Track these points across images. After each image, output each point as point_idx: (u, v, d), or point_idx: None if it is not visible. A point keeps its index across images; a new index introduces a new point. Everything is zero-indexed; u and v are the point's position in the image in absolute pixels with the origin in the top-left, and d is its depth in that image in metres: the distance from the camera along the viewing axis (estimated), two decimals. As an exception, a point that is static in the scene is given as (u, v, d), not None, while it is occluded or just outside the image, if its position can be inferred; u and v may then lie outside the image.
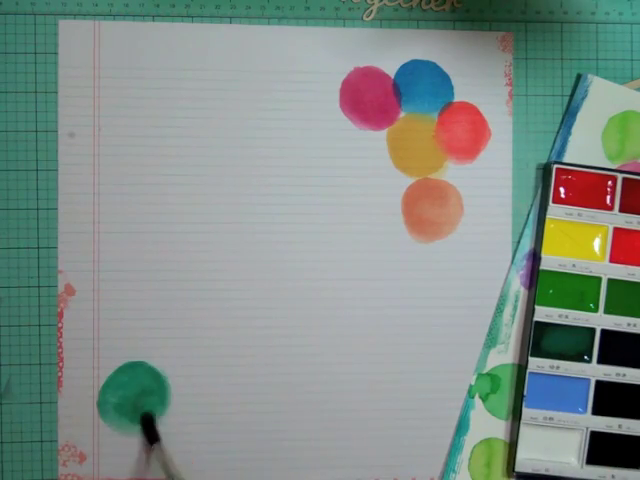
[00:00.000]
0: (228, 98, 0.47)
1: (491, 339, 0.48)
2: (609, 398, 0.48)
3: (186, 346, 0.47)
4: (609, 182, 0.48)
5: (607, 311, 0.48)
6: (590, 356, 0.48)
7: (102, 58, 0.47)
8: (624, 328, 0.48)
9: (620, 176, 0.48)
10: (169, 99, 0.47)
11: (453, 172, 0.49)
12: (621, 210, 0.48)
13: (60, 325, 0.47)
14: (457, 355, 0.48)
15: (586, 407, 0.48)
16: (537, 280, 0.48)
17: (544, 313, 0.48)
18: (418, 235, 0.48)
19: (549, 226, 0.48)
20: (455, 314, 0.48)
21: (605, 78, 0.49)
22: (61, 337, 0.47)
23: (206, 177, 0.47)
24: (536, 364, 0.48)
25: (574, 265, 0.48)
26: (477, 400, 0.48)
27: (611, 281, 0.48)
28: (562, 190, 0.48)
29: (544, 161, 0.49)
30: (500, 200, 0.49)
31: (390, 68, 0.48)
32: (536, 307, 0.48)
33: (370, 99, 0.48)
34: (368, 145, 0.48)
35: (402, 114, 0.48)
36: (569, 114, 0.49)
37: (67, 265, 0.47)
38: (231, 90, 0.47)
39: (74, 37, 0.47)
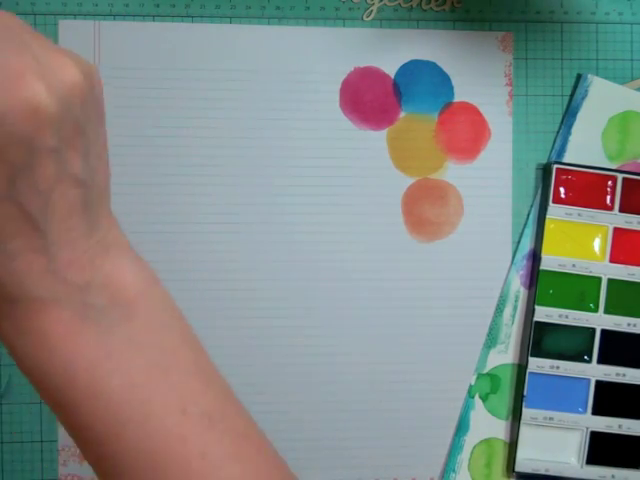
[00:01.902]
0: (228, 98, 0.47)
1: (491, 339, 0.48)
2: (609, 398, 0.48)
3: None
4: (609, 182, 0.48)
5: (607, 311, 0.48)
6: (590, 356, 0.48)
7: (102, 58, 0.47)
8: (624, 328, 0.48)
9: (620, 176, 0.48)
10: (169, 99, 0.47)
11: (453, 172, 0.48)
12: (621, 210, 0.48)
13: (60, 325, 0.47)
14: (457, 355, 0.48)
15: (586, 407, 0.48)
16: (537, 280, 0.48)
17: (544, 313, 0.48)
18: (418, 235, 0.48)
19: (549, 226, 0.48)
20: (455, 314, 0.48)
21: (605, 78, 0.49)
22: (61, 337, 0.47)
23: (206, 177, 0.47)
24: (536, 364, 0.48)
25: (574, 265, 0.48)
26: (477, 400, 0.48)
27: (611, 281, 0.48)
28: (562, 190, 0.48)
29: (544, 161, 0.49)
30: (500, 200, 0.49)
31: (390, 68, 0.48)
32: (536, 307, 0.48)
33: (370, 99, 0.48)
34: (368, 145, 0.48)
35: (402, 114, 0.48)
36: (569, 114, 0.49)
37: (67, 265, 0.47)
38: (231, 90, 0.47)
39: (74, 37, 0.47)
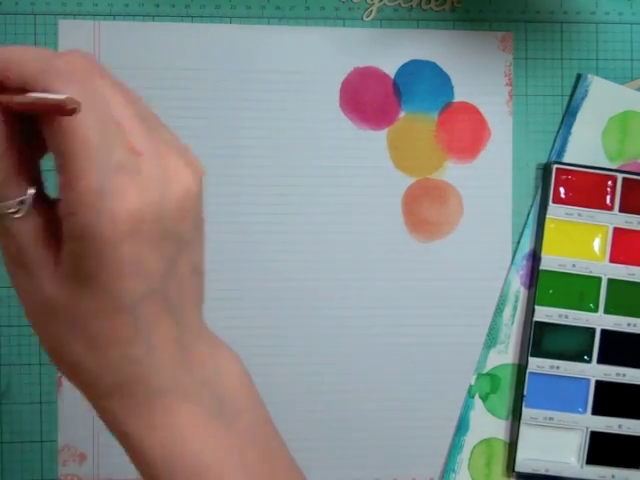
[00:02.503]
0: (228, 98, 0.47)
1: (491, 339, 0.48)
2: (609, 398, 0.48)
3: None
4: (609, 182, 0.48)
5: (607, 311, 0.48)
6: (590, 356, 0.48)
7: (102, 58, 0.47)
8: (624, 328, 0.48)
9: (620, 176, 0.48)
10: (169, 99, 0.47)
11: (453, 172, 0.48)
12: (621, 210, 0.48)
13: (60, 325, 0.47)
14: (457, 355, 0.48)
15: (586, 407, 0.48)
16: (537, 280, 0.48)
17: (544, 313, 0.48)
18: (418, 235, 0.48)
19: (549, 226, 0.48)
20: (455, 314, 0.48)
21: (605, 78, 0.49)
22: (61, 337, 0.47)
23: (205, 177, 0.47)
24: (536, 364, 0.48)
25: (574, 265, 0.48)
26: (477, 400, 0.48)
27: (611, 281, 0.48)
28: (562, 190, 0.48)
29: (544, 161, 0.49)
30: (500, 200, 0.49)
31: (390, 68, 0.48)
32: (536, 307, 0.48)
33: (370, 99, 0.48)
34: (368, 145, 0.48)
35: (402, 114, 0.48)
36: (569, 114, 0.49)
37: (67, 265, 0.47)
38: (231, 90, 0.47)
39: (74, 37, 0.47)
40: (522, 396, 0.48)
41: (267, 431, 0.27)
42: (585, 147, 0.49)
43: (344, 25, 0.48)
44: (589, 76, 0.49)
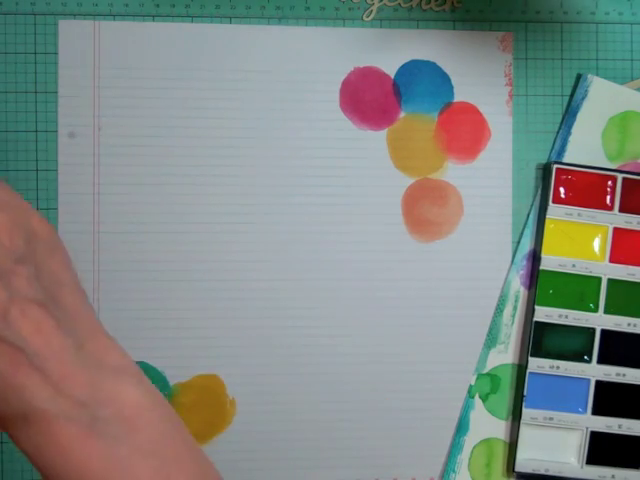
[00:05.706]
0: (228, 98, 0.47)
1: (491, 339, 0.48)
2: (609, 398, 0.48)
3: (186, 346, 0.47)
4: (609, 182, 0.48)
5: (607, 311, 0.48)
6: (590, 356, 0.48)
7: (102, 58, 0.47)
8: (624, 328, 0.48)
9: (620, 176, 0.48)
10: (169, 99, 0.47)
11: (453, 172, 0.48)
12: (621, 210, 0.48)
13: (60, 325, 0.47)
14: (457, 355, 0.48)
15: (586, 407, 0.48)
16: (537, 280, 0.48)
17: (544, 313, 0.48)
18: (418, 235, 0.48)
19: (549, 226, 0.48)
20: (455, 314, 0.48)
21: (605, 78, 0.49)
22: (61, 337, 0.47)
23: (206, 177, 0.47)
24: (536, 364, 0.48)
25: (574, 265, 0.48)
26: (477, 400, 0.48)
27: (611, 281, 0.48)
28: (562, 190, 0.48)
29: (544, 161, 0.49)
30: (500, 200, 0.49)
31: (390, 68, 0.48)
32: (536, 307, 0.48)
33: (370, 99, 0.48)
34: (368, 145, 0.48)
35: (402, 114, 0.48)
36: (569, 114, 0.49)
37: (67, 265, 0.46)
38: (231, 90, 0.47)
39: (74, 37, 0.47)
40: (522, 396, 0.48)
41: (167, 446, 0.28)
42: (585, 147, 0.49)
43: (344, 25, 0.48)
44: (589, 76, 0.49)
